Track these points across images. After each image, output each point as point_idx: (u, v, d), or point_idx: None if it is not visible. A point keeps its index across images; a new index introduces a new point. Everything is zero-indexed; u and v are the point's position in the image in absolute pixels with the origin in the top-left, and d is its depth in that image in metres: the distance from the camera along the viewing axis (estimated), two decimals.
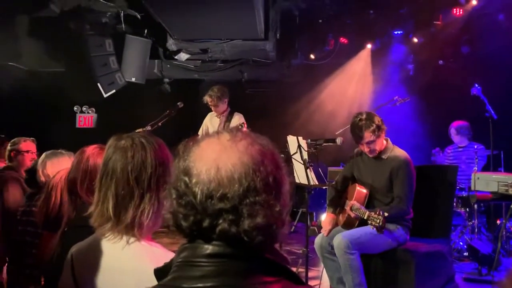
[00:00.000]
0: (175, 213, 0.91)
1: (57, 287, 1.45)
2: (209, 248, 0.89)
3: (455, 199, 4.88)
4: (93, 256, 1.37)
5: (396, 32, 7.10)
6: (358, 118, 3.56)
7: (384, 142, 3.63)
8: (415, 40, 6.98)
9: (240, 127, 5.06)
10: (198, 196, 0.88)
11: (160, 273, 0.96)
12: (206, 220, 0.87)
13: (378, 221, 3.13)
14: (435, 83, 6.81)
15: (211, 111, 5.61)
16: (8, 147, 3.84)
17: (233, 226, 0.86)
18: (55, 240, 1.84)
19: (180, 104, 5.58)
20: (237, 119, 5.45)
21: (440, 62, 7.06)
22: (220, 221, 0.87)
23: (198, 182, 0.88)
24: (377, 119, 3.54)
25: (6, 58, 7.23)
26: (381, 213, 3.15)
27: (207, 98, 5.46)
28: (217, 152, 0.90)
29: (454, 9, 6.47)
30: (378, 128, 3.52)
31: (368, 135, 3.52)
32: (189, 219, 0.89)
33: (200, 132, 5.73)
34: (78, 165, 1.81)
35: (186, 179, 0.90)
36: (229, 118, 5.48)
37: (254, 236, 0.87)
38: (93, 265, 1.36)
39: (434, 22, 6.62)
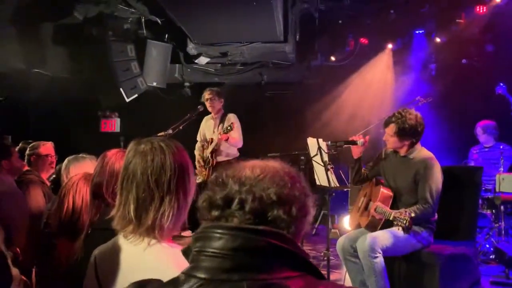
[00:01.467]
0: (210, 190, 1.01)
1: None
2: (225, 239, 0.91)
3: (480, 201, 4.78)
4: (116, 258, 1.40)
5: (417, 32, 7.00)
6: (402, 112, 3.57)
7: (405, 146, 3.60)
8: (437, 39, 6.86)
9: (229, 127, 5.15)
10: (229, 178, 0.99)
11: (185, 252, 1.01)
12: (236, 196, 0.96)
13: (404, 221, 3.10)
14: (459, 82, 6.68)
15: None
16: (28, 152, 3.88)
17: (255, 198, 0.96)
18: (72, 245, 1.88)
19: (200, 108, 5.66)
20: (232, 118, 5.51)
21: (464, 61, 6.92)
22: (250, 196, 0.95)
23: (230, 175, 1.00)
24: (410, 126, 3.50)
25: (31, 65, 7.42)
26: (407, 214, 3.12)
27: (206, 93, 5.63)
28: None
29: (477, 7, 6.34)
30: (402, 131, 3.51)
31: (390, 128, 3.57)
32: (223, 192, 0.98)
33: (198, 137, 5.82)
34: (103, 169, 1.84)
35: (224, 176, 1.01)
36: (222, 119, 5.56)
37: (271, 200, 0.95)
38: (115, 266, 1.38)
39: (457, 20, 6.51)
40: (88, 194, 2.11)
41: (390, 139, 3.61)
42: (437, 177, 3.47)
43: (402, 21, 6.82)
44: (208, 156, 5.53)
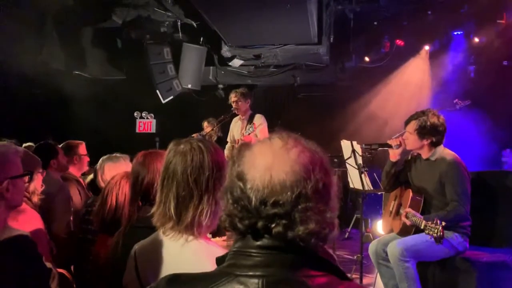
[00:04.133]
0: (231, 216, 0.97)
1: (121, 283, 1.54)
2: (260, 240, 0.95)
3: None
4: (155, 253, 1.46)
5: (456, 33, 6.84)
6: (426, 111, 3.54)
7: (426, 146, 3.52)
8: (477, 40, 6.68)
9: (250, 129, 5.17)
10: (253, 202, 0.94)
11: (220, 261, 1.03)
12: (260, 222, 0.94)
13: (436, 231, 2.98)
14: (499, 84, 6.47)
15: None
16: (68, 152, 3.98)
17: (289, 231, 0.92)
18: (112, 241, 1.95)
19: (233, 109, 5.72)
20: (258, 118, 5.52)
21: (505, 62, 6.70)
22: (274, 224, 0.93)
23: (252, 188, 0.94)
24: (431, 125, 3.44)
25: (72, 67, 7.70)
26: (438, 223, 3.00)
27: (231, 94, 5.66)
28: (270, 160, 0.95)
29: None
30: (423, 130, 3.45)
31: (410, 126, 3.52)
32: (244, 222, 0.95)
33: (228, 139, 5.87)
34: (153, 169, 1.87)
35: (241, 184, 0.95)
36: (250, 120, 5.57)
37: (308, 240, 0.93)
38: (155, 261, 1.44)
39: (498, 21, 6.32)
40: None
41: (409, 137, 3.54)
42: (462, 177, 3.36)
43: (439, 22, 6.67)
44: None
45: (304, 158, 0.96)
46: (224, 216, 0.99)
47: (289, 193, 0.92)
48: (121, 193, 2.23)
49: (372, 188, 4.09)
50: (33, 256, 1.61)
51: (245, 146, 1.01)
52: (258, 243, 0.95)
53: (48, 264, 1.90)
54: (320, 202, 0.94)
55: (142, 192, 1.87)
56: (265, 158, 0.95)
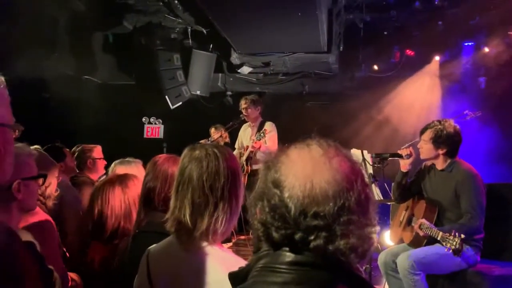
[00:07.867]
0: (266, 224, 0.92)
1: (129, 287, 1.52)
2: (291, 256, 0.90)
3: None
4: (168, 258, 1.44)
5: (466, 44, 6.80)
6: (442, 120, 3.53)
7: (441, 156, 3.49)
8: (487, 50, 6.64)
9: (262, 134, 5.15)
10: (292, 211, 0.89)
11: (235, 277, 0.98)
12: (298, 233, 0.89)
13: (455, 243, 2.93)
14: (510, 96, 6.42)
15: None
16: (83, 155, 3.98)
17: (329, 244, 0.88)
18: (103, 248, 1.92)
19: (242, 116, 5.73)
20: (269, 126, 5.51)
21: None
22: (312, 237, 0.88)
23: (292, 197, 0.89)
24: (447, 133, 3.42)
25: (82, 72, 7.74)
26: (457, 235, 2.94)
27: (241, 101, 5.68)
28: (310, 168, 0.91)
29: None
30: (439, 139, 3.44)
31: (426, 134, 3.50)
32: (281, 231, 0.90)
33: (236, 145, 5.86)
34: (157, 174, 1.87)
35: (278, 191, 0.91)
36: (260, 128, 5.56)
37: (348, 255, 0.88)
38: (167, 266, 1.42)
39: (509, 32, 6.28)
40: (114, 200, 2.16)
41: (424, 146, 3.53)
42: (478, 189, 3.33)
43: (450, 32, 6.63)
44: (243, 164, 5.57)
45: (346, 168, 0.92)
46: (258, 224, 0.93)
47: (331, 204, 0.87)
48: (106, 199, 2.19)
49: (382, 198, 4.04)
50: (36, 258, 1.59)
51: (281, 151, 0.96)
52: (289, 259, 0.90)
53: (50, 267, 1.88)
54: (362, 215, 0.90)
55: (144, 196, 1.86)
56: (304, 165, 0.91)
